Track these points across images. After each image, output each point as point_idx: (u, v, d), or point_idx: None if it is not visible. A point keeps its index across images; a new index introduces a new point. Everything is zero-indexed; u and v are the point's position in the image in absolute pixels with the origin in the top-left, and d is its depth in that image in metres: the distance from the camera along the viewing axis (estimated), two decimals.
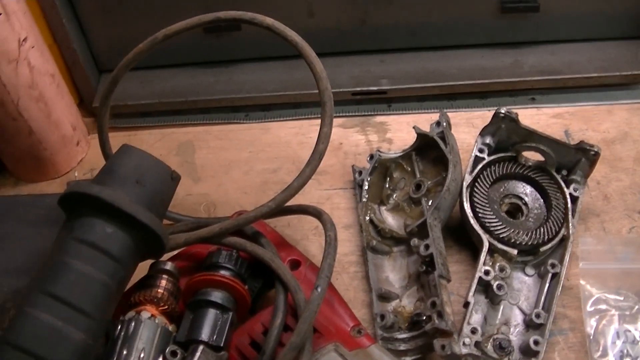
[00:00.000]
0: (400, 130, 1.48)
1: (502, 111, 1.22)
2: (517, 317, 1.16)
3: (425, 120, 1.37)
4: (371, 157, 1.33)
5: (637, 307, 1.16)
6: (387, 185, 1.32)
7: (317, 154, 1.08)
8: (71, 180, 1.43)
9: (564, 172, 1.25)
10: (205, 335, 0.97)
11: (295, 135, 1.49)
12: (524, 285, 1.19)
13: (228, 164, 1.45)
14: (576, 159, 1.23)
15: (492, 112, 1.24)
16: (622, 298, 1.17)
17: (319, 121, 1.09)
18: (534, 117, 1.48)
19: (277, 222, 1.26)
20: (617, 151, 1.40)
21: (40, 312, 0.86)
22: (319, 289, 0.98)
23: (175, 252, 1.13)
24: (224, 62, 1.57)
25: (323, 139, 1.08)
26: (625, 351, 1.12)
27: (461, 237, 1.27)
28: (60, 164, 1.45)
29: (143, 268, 1.04)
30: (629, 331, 1.14)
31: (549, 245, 1.19)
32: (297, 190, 1.09)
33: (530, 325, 1.14)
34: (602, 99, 1.51)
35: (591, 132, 1.44)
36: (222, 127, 1.53)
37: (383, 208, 1.30)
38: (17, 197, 1.38)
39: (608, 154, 1.39)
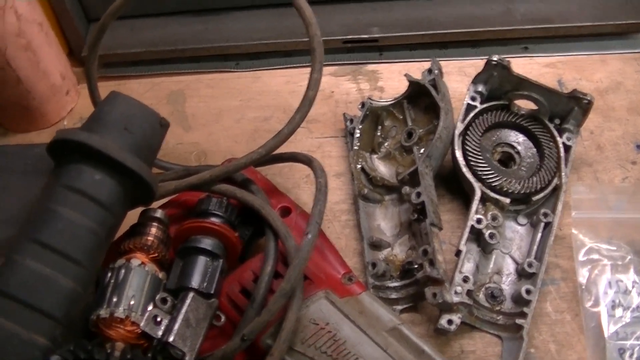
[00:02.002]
0: (392, 78, 1.47)
1: (494, 59, 1.21)
2: (509, 266, 1.16)
3: (417, 68, 1.36)
4: (362, 105, 1.32)
5: (629, 257, 1.16)
6: (378, 134, 1.31)
7: (307, 100, 1.08)
8: (60, 129, 1.42)
9: (557, 121, 1.24)
10: (195, 282, 0.97)
11: (287, 83, 1.48)
12: (516, 234, 1.19)
13: (219, 113, 1.44)
14: (569, 107, 1.22)
15: (484, 61, 1.23)
16: (614, 248, 1.17)
17: (310, 69, 1.08)
18: (526, 66, 1.47)
19: (268, 170, 1.25)
20: (610, 101, 1.40)
21: (29, 259, 0.85)
22: (310, 236, 0.97)
23: (165, 200, 1.12)
24: (214, 10, 1.55)
25: (313, 85, 1.07)
26: (617, 301, 1.12)
27: (453, 186, 1.27)
28: (49, 113, 1.44)
29: (133, 216, 1.03)
30: (621, 281, 1.14)
31: (542, 195, 1.19)
32: (287, 136, 1.08)
33: (523, 274, 1.14)
34: (596, 49, 1.50)
35: (584, 82, 1.43)
36: (213, 75, 1.52)
37: (374, 156, 1.30)
38: (6, 147, 1.36)
39: (601, 104, 1.38)
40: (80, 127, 0.97)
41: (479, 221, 1.14)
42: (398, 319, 0.99)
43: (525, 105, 1.25)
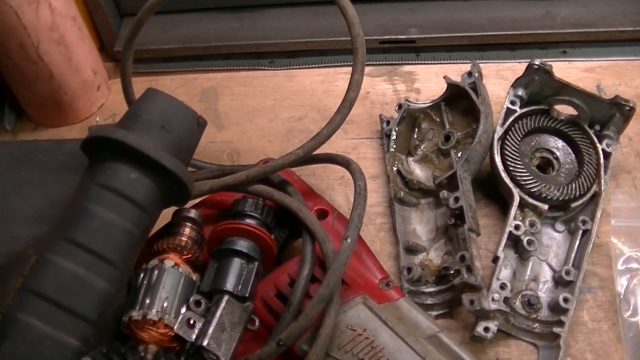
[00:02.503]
0: (428, 80, 1.46)
1: (536, 63, 1.20)
2: (547, 274, 1.15)
3: (454, 70, 1.35)
4: (399, 106, 1.31)
5: None
6: (415, 136, 1.30)
7: (348, 102, 1.07)
8: (92, 125, 1.41)
9: (597, 127, 1.22)
10: (230, 285, 0.96)
11: (321, 83, 1.47)
12: (553, 241, 1.18)
13: (252, 112, 1.43)
14: (610, 114, 1.21)
15: (523, 65, 1.22)
16: None
17: (345, 69, 1.08)
18: (565, 70, 1.44)
19: (302, 171, 1.24)
20: None
21: (63, 259, 0.85)
22: (349, 240, 0.96)
23: (199, 199, 1.12)
24: (249, 7, 1.54)
25: (354, 86, 1.06)
26: None
27: (490, 190, 1.26)
28: (80, 109, 1.43)
29: (166, 215, 1.02)
30: None
31: (580, 201, 1.17)
32: (326, 138, 1.07)
33: (560, 282, 1.12)
34: (636, 54, 1.47)
35: (624, 88, 1.42)
36: (247, 73, 1.51)
37: (411, 159, 1.28)
38: (37, 142, 1.36)
39: None
40: (116, 124, 0.97)
41: (517, 227, 1.13)
42: (437, 326, 0.98)
43: (565, 110, 1.23)
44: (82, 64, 1.38)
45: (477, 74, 1.22)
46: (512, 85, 1.24)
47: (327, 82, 1.47)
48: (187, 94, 1.47)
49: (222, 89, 1.48)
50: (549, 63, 1.21)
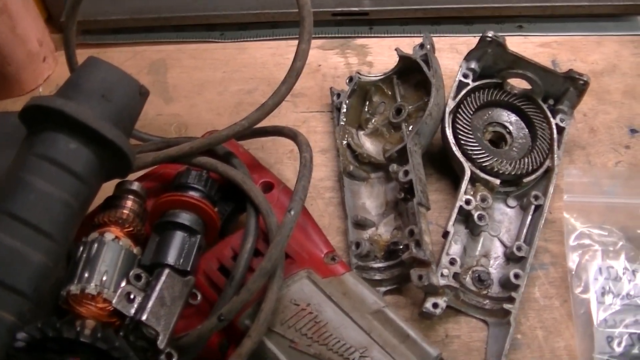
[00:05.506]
0: (382, 53, 1.45)
1: (489, 35, 1.18)
2: (498, 250, 1.14)
3: (408, 44, 1.33)
4: (350, 79, 1.29)
5: (620, 243, 1.14)
6: (366, 109, 1.29)
7: (294, 72, 1.05)
8: (35, 96, 1.38)
9: (551, 102, 1.22)
10: (171, 258, 0.94)
11: (272, 55, 1.46)
12: (505, 216, 1.17)
13: (201, 84, 1.42)
14: (564, 88, 1.20)
15: (478, 39, 1.21)
16: (606, 233, 1.15)
17: (297, 41, 1.05)
18: (520, 45, 1.44)
19: (250, 144, 1.23)
20: (605, 83, 1.38)
21: None
22: (292, 212, 0.94)
23: (143, 172, 1.09)
24: None
25: (301, 56, 1.05)
26: (607, 288, 1.10)
27: (442, 165, 1.25)
28: (25, 80, 1.41)
29: (108, 188, 1.00)
30: (612, 267, 1.12)
31: (533, 177, 1.17)
32: (272, 108, 1.05)
33: (511, 258, 1.12)
34: (592, 30, 1.47)
35: (579, 63, 1.41)
36: (196, 45, 1.50)
37: (361, 132, 1.27)
38: None
39: (596, 86, 1.35)
40: (55, 93, 0.94)
41: (467, 202, 1.12)
42: (383, 301, 0.97)
43: (519, 84, 1.22)
44: (27, 33, 1.36)
45: (429, 46, 1.21)
46: (464, 58, 1.23)
47: (278, 55, 1.46)
48: (135, 66, 1.45)
49: (172, 62, 1.47)
50: (504, 36, 1.19)
